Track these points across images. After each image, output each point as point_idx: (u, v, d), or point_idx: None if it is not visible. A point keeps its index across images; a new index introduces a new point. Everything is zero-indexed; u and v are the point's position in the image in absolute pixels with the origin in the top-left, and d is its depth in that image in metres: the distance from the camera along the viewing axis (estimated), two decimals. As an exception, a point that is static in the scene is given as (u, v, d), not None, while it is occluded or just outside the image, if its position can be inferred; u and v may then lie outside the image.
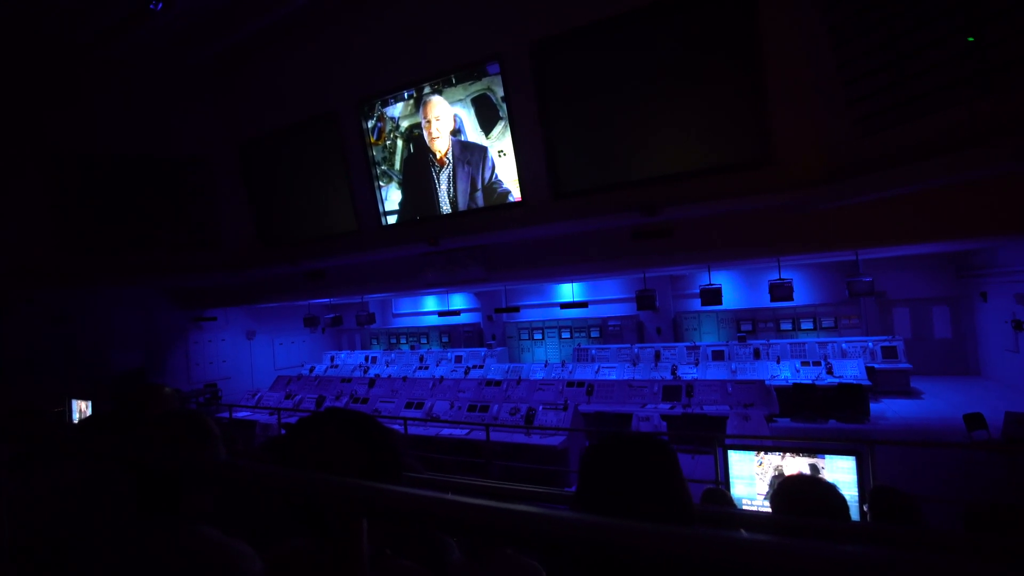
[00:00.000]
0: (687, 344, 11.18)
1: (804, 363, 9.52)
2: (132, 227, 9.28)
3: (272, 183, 9.66)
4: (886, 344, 10.23)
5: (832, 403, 8.75)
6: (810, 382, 8.99)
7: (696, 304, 12.91)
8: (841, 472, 2.28)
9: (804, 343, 10.55)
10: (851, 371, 9.11)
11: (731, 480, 2.65)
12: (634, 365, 10.30)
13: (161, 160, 9.34)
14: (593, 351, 12.01)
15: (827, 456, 2.35)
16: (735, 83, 5.86)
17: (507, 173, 7.41)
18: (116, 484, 1.31)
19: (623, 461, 0.84)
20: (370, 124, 8.28)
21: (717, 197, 6.17)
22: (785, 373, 9.43)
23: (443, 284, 8.79)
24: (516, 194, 7.44)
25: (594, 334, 13.80)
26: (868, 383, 8.75)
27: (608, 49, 6.39)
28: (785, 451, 2.50)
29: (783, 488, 1.63)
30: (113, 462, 1.28)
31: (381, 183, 8.47)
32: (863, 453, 2.28)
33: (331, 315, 11.48)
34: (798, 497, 1.57)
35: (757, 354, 10.42)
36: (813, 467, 2.36)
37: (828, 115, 5.40)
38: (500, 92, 7.08)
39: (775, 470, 2.51)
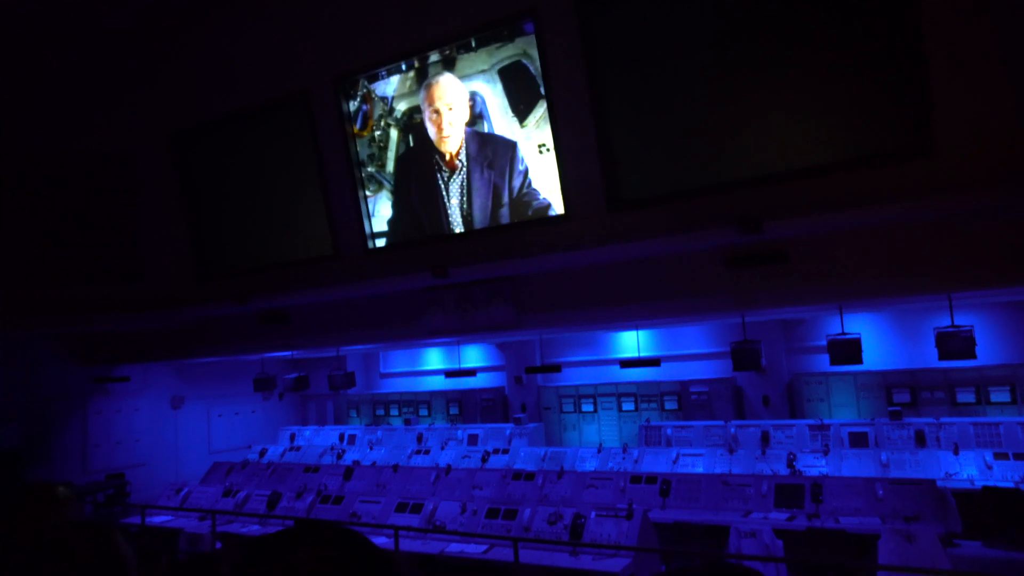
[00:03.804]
0: (810, 422, 10.85)
1: (999, 455, 9.08)
2: (15, 249, 9.56)
3: (216, 190, 9.96)
4: None
5: (1052, 519, 8.26)
6: (1012, 485, 8.55)
7: (822, 362, 12.55)
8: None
9: (998, 424, 10.06)
10: (1079, 468, 8.65)
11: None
12: (731, 452, 10.07)
13: (62, 158, 9.67)
14: (669, 430, 11.76)
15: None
16: (873, 33, 5.84)
17: (547, 177, 7.47)
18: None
19: None
20: (352, 107, 8.53)
21: (851, 204, 6.08)
22: (969, 470, 9.02)
23: (454, 332, 8.79)
24: (558, 206, 7.47)
25: (670, 405, 13.52)
26: (1112, 488, 8.25)
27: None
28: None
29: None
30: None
31: (368, 191, 8.65)
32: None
33: (293, 375, 11.58)
34: None
35: (921, 439, 10.02)
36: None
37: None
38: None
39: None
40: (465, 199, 8.03)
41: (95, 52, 9.33)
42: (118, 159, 9.94)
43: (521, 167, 7.61)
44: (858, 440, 10.31)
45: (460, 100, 7.84)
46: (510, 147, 7.63)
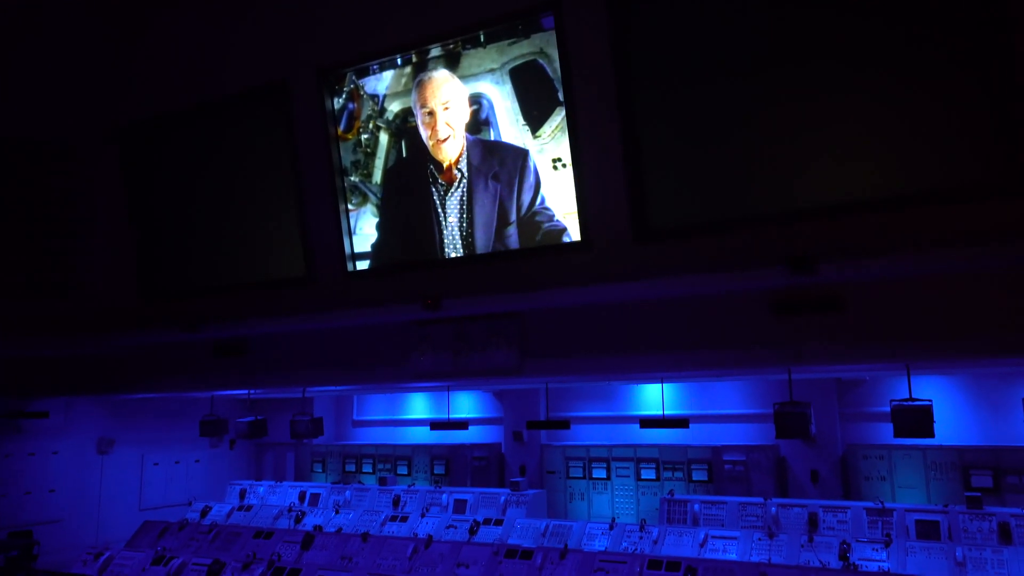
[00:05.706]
0: (868, 505, 10.77)
1: (1107, 560, 9.01)
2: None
3: (170, 193, 10.03)
4: None
5: None
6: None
7: (885, 433, 12.49)
8: None
9: (1107, 521, 10.00)
10: None
11: None
12: (770, 536, 10.01)
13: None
14: (696, 506, 11.68)
15: None
16: (954, 49, 5.91)
17: (562, 198, 7.56)
18: None
19: None
20: (337, 105, 8.64)
21: (922, 246, 6.12)
22: (1067, 577, 8.93)
23: (445, 375, 8.81)
24: (574, 232, 7.55)
25: (698, 475, 13.45)
26: None
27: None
28: None
29: None
30: None
31: (350, 204, 8.73)
32: None
33: (249, 419, 11.54)
34: None
35: (1006, 533, 9.90)
36: None
37: None
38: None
39: None
40: (465, 217, 8.08)
41: (39, 29, 9.41)
42: (55, 150, 9.98)
43: (532, 179, 7.68)
44: (927, 530, 10.20)
45: (458, 99, 7.97)
46: (520, 155, 7.71)
